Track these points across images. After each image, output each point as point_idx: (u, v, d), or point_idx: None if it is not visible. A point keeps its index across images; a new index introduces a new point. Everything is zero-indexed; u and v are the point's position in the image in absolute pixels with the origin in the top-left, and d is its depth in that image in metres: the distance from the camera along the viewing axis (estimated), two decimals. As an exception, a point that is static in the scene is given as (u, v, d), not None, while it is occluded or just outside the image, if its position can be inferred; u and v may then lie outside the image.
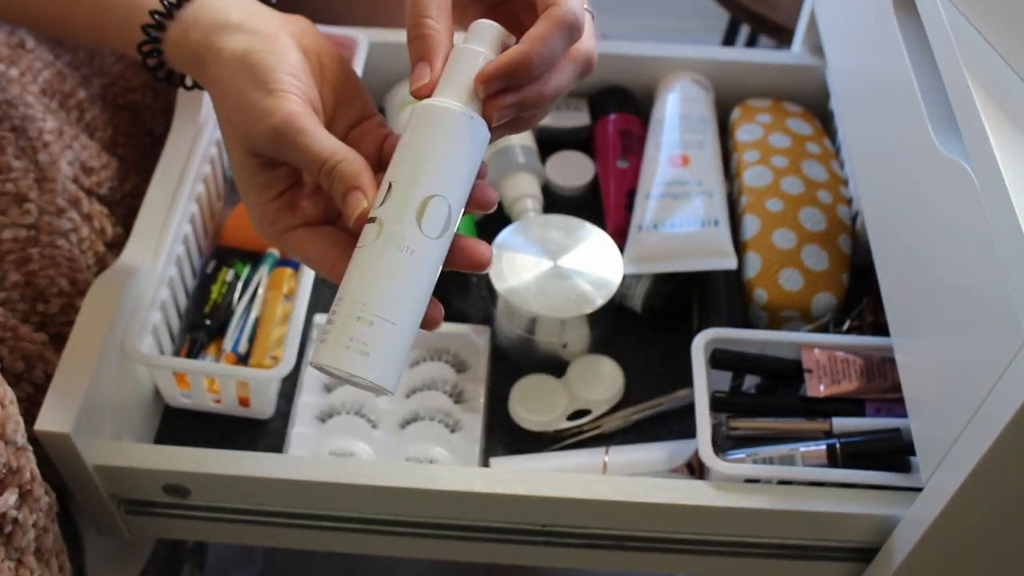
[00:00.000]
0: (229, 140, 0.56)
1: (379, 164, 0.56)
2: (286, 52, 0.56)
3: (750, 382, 0.78)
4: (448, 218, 0.52)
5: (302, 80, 0.55)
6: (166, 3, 0.59)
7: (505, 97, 0.53)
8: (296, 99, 0.54)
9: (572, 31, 0.53)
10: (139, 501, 0.72)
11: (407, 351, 0.51)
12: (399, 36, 0.94)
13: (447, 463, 0.76)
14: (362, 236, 0.52)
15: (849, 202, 0.86)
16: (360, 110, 0.59)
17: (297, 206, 0.56)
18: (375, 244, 0.50)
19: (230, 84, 0.55)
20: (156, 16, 0.59)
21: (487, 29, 0.54)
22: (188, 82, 0.63)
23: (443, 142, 0.52)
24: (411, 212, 0.51)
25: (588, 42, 0.56)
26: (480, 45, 0.54)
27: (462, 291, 0.87)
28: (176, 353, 0.79)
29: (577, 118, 0.96)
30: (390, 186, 0.52)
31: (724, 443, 0.73)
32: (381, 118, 0.60)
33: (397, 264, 0.50)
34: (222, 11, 0.58)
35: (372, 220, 0.51)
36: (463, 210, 0.53)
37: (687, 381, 0.77)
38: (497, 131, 0.55)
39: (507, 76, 0.52)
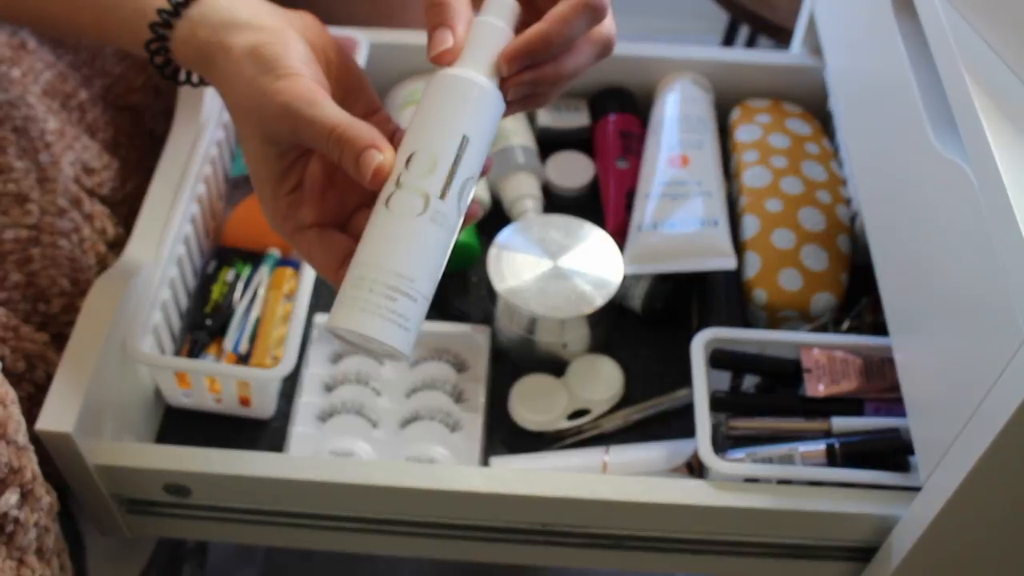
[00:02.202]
0: (243, 130, 0.56)
1: None
2: (294, 44, 0.56)
3: (749, 382, 0.78)
4: (473, 194, 0.54)
5: (311, 68, 0.56)
6: (173, 2, 0.59)
7: (523, 75, 0.54)
8: (307, 79, 0.54)
9: (595, 13, 0.54)
10: (140, 501, 0.72)
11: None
12: (399, 37, 0.94)
13: (447, 463, 0.76)
14: (398, 202, 0.52)
15: (848, 202, 0.87)
16: (366, 105, 0.60)
17: (310, 204, 0.56)
18: (421, 219, 0.51)
19: (239, 76, 0.56)
20: (163, 15, 0.59)
21: (503, 3, 0.55)
22: (195, 79, 0.63)
23: (481, 123, 0.53)
24: (455, 192, 0.52)
25: (608, 24, 0.57)
26: (498, 18, 0.55)
27: (462, 291, 0.87)
28: (177, 353, 0.79)
29: (577, 118, 0.97)
30: (428, 156, 0.52)
31: (724, 443, 0.73)
32: (387, 113, 0.60)
33: (441, 244, 0.52)
34: (230, 9, 0.58)
35: (402, 185, 0.52)
36: None
37: (687, 381, 0.77)
38: (511, 106, 0.56)
39: (528, 55, 0.53)
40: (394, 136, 0.58)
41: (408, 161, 0.52)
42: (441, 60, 0.54)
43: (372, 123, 0.58)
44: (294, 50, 0.56)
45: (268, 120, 0.54)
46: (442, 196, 0.52)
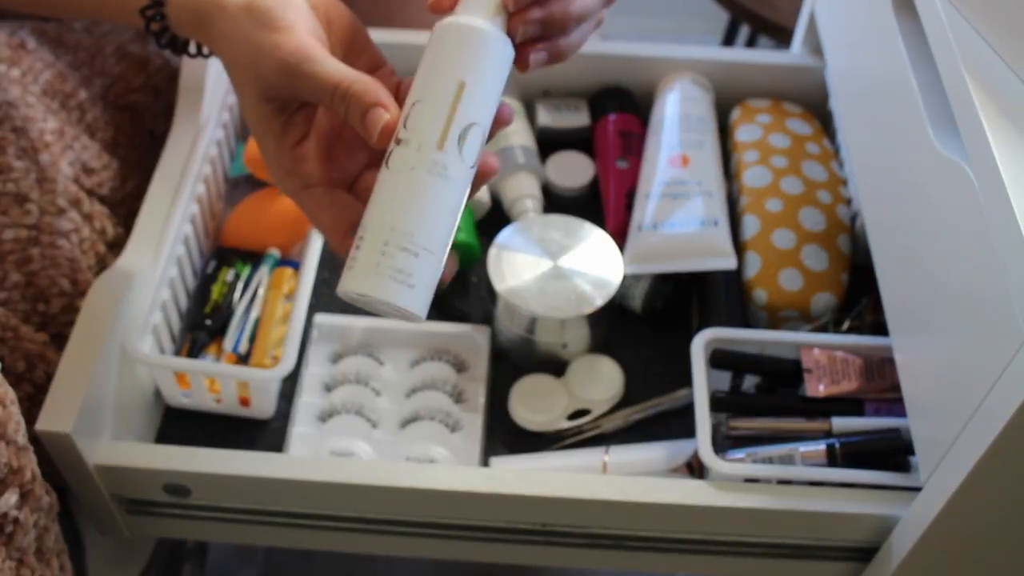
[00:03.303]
0: (240, 88, 0.56)
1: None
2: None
3: (750, 382, 0.78)
4: (482, 145, 0.51)
5: (307, 20, 0.56)
6: None
7: (531, 11, 0.53)
8: (303, 31, 0.54)
9: None
10: (140, 501, 0.72)
11: (438, 278, 0.51)
12: (400, 36, 0.94)
13: (447, 463, 0.76)
14: (395, 158, 0.50)
15: (848, 202, 0.87)
16: (370, 60, 0.59)
17: (319, 162, 0.55)
18: (417, 171, 0.49)
19: (235, 32, 0.55)
20: None
21: None
22: (192, 49, 0.63)
23: (480, 67, 0.51)
24: (453, 140, 0.50)
25: None
26: None
27: (462, 291, 0.87)
28: (176, 353, 0.79)
29: (577, 118, 0.97)
30: (422, 107, 0.50)
31: (724, 443, 0.73)
32: (391, 67, 0.60)
33: (441, 194, 0.50)
34: None
35: (400, 141, 0.50)
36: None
37: (687, 381, 0.77)
38: (522, 54, 0.54)
39: None
40: (399, 89, 0.57)
41: (406, 117, 0.51)
42: (440, 7, 0.53)
43: (377, 79, 0.57)
44: (292, 3, 0.55)
45: (266, 76, 0.54)
46: (439, 146, 0.50)
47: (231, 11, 0.56)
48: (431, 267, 0.50)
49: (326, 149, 0.56)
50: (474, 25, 0.51)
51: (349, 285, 0.49)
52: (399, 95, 0.56)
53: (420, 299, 0.49)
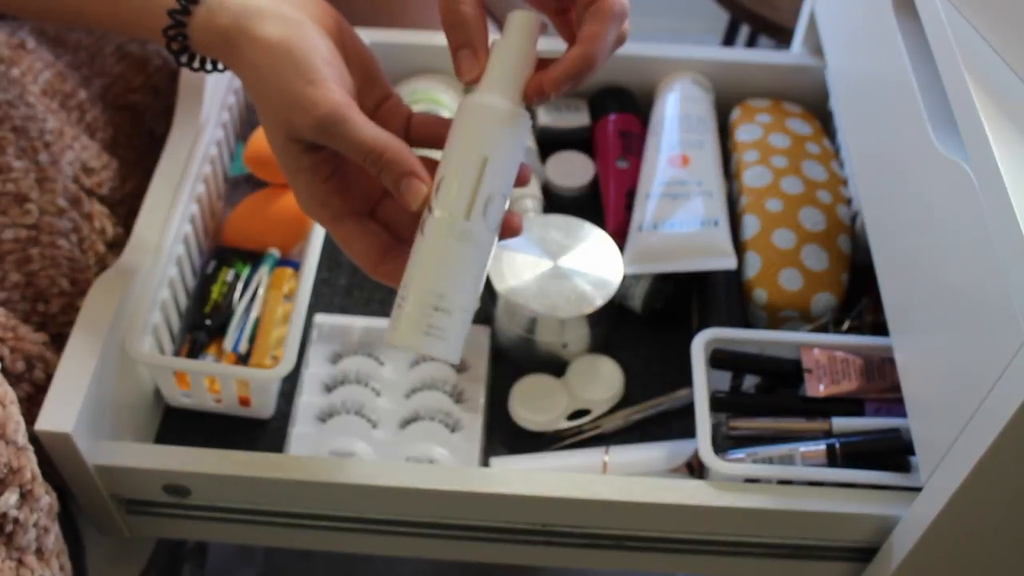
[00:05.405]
0: (269, 125, 0.57)
1: (407, 142, 0.59)
2: (318, 39, 0.57)
3: (750, 382, 0.78)
4: (503, 210, 0.58)
5: (337, 68, 0.57)
6: None
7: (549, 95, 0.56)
8: (338, 90, 0.56)
9: (622, 19, 0.56)
10: (139, 501, 0.72)
11: (469, 326, 0.58)
12: (399, 37, 0.94)
13: (447, 463, 0.76)
14: (428, 226, 0.56)
15: (849, 202, 0.87)
16: (382, 90, 0.61)
17: (345, 192, 0.59)
18: (447, 239, 0.56)
19: (269, 70, 0.56)
20: (181, 1, 0.59)
21: (525, 20, 0.57)
22: (208, 66, 0.63)
23: (502, 143, 0.56)
24: (479, 210, 0.56)
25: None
26: (520, 37, 0.57)
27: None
28: (176, 353, 0.79)
29: (577, 118, 0.97)
30: (452, 180, 0.56)
31: (724, 443, 0.73)
32: (399, 96, 0.62)
33: (470, 259, 0.57)
34: None
35: (432, 210, 0.56)
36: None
37: (687, 381, 0.77)
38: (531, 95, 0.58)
39: (572, 79, 0.55)
40: (409, 120, 0.60)
41: (437, 188, 0.56)
42: (473, 82, 0.57)
43: (388, 110, 0.61)
44: (320, 47, 0.57)
45: (300, 128, 0.56)
46: (466, 216, 0.56)
47: (262, 45, 0.57)
48: (463, 321, 0.58)
49: (349, 179, 0.59)
50: (499, 107, 0.56)
51: (397, 341, 0.57)
52: (412, 126, 0.61)
53: (453, 347, 0.57)
